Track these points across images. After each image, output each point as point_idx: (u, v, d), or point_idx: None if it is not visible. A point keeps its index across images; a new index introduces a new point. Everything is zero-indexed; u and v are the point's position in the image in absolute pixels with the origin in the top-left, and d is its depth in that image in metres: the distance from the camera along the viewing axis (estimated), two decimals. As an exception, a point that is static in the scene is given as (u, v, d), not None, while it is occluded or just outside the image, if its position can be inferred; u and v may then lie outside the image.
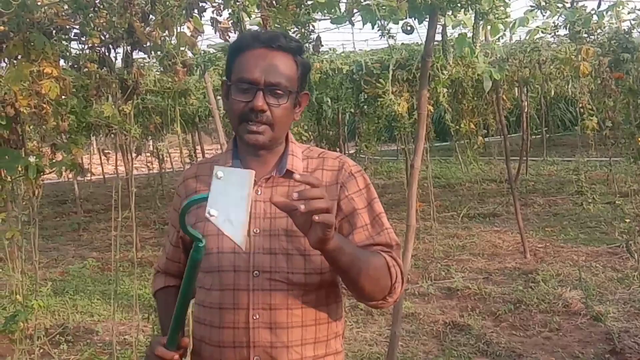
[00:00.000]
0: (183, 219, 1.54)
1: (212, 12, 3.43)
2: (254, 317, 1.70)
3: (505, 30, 4.20)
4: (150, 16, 3.39)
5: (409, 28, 3.77)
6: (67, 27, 3.35)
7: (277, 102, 1.71)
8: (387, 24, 3.87)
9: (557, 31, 5.18)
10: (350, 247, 1.65)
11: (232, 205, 1.45)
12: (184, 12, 3.32)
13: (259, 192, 1.76)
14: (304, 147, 1.88)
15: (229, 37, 3.49)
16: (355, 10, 3.72)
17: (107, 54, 3.55)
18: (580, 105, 6.14)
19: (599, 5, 4.43)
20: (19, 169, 3.40)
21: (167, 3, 3.33)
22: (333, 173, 1.81)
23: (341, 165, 1.82)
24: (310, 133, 7.85)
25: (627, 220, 5.37)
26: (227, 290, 1.72)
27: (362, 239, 1.76)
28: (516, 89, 11.20)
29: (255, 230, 1.73)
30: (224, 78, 1.83)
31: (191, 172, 1.93)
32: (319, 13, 3.91)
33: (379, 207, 1.84)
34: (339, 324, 1.84)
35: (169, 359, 1.66)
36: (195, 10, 3.34)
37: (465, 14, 3.86)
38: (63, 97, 3.43)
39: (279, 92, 1.71)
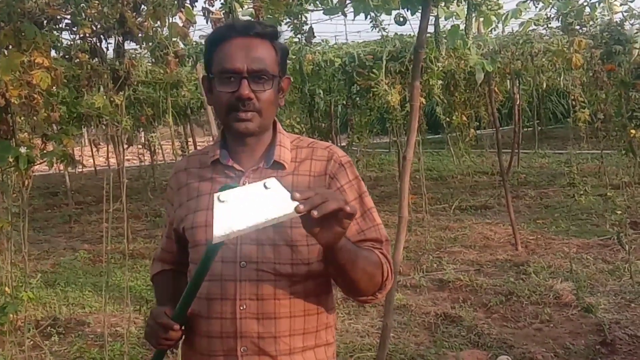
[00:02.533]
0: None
1: (204, 2, 3.42)
2: (241, 308, 1.70)
3: (497, 22, 4.20)
4: (142, 6, 3.38)
5: (401, 19, 3.77)
6: (59, 17, 3.34)
7: (263, 88, 1.72)
8: (380, 15, 3.87)
9: (550, 23, 5.19)
10: (350, 245, 1.64)
11: (250, 211, 1.41)
12: (175, 2, 3.31)
13: (247, 183, 1.75)
14: (293, 137, 1.87)
15: (222, 27, 3.48)
16: (347, 1, 3.71)
17: (98, 44, 3.53)
18: (572, 97, 6.15)
19: (591, -3, 4.44)
20: (9, 159, 3.38)
21: (159, -7, 3.31)
22: (322, 163, 1.80)
23: (330, 155, 1.81)
24: (302, 125, 7.85)
25: (618, 212, 5.39)
26: (214, 281, 1.71)
27: (353, 233, 1.75)
28: (508, 81, 11.21)
29: None
30: (204, 73, 1.82)
31: (182, 165, 1.94)
32: (312, 4, 3.91)
33: (370, 201, 1.83)
34: (329, 315, 1.83)
35: (171, 328, 1.70)
36: (187, 1, 3.33)
37: (458, 6, 3.85)
38: (54, 87, 3.41)
39: (263, 77, 1.71)
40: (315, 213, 1.40)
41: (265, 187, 1.45)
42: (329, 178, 1.78)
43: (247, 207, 1.42)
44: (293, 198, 1.40)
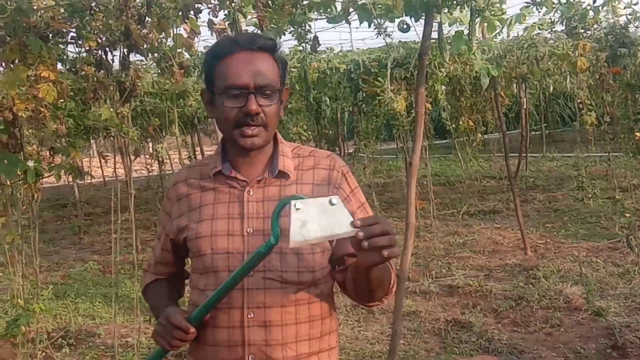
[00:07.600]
0: (279, 209, 1.58)
1: (208, 13, 3.44)
2: (249, 316, 1.72)
3: (502, 27, 4.19)
4: (147, 18, 3.40)
5: (405, 26, 3.78)
6: (64, 30, 3.36)
7: (269, 102, 1.73)
8: (384, 23, 3.88)
9: (554, 27, 5.19)
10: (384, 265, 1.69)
11: (319, 223, 1.50)
12: (180, 13, 3.33)
13: (251, 193, 1.77)
14: (292, 146, 1.90)
15: (226, 38, 3.49)
16: (351, 9, 3.73)
17: (104, 56, 3.56)
18: (579, 100, 6.14)
19: (594, 1, 4.42)
20: (18, 173, 3.40)
21: (163, 5, 3.33)
22: (325, 172, 1.82)
23: (332, 164, 1.84)
24: (309, 132, 7.87)
25: (627, 215, 5.38)
26: None
27: None
28: (515, 85, 11.20)
29: (248, 230, 1.74)
30: (204, 86, 1.83)
31: (181, 176, 1.93)
32: (315, 13, 3.92)
33: (369, 209, 1.87)
34: (332, 319, 1.86)
35: (184, 328, 1.69)
36: (191, 12, 3.35)
37: (461, 11, 3.86)
38: (61, 100, 3.43)
39: (268, 92, 1.73)
40: (365, 244, 1.46)
41: (331, 203, 1.51)
42: (333, 188, 1.80)
43: (317, 219, 1.50)
44: (354, 225, 1.48)
